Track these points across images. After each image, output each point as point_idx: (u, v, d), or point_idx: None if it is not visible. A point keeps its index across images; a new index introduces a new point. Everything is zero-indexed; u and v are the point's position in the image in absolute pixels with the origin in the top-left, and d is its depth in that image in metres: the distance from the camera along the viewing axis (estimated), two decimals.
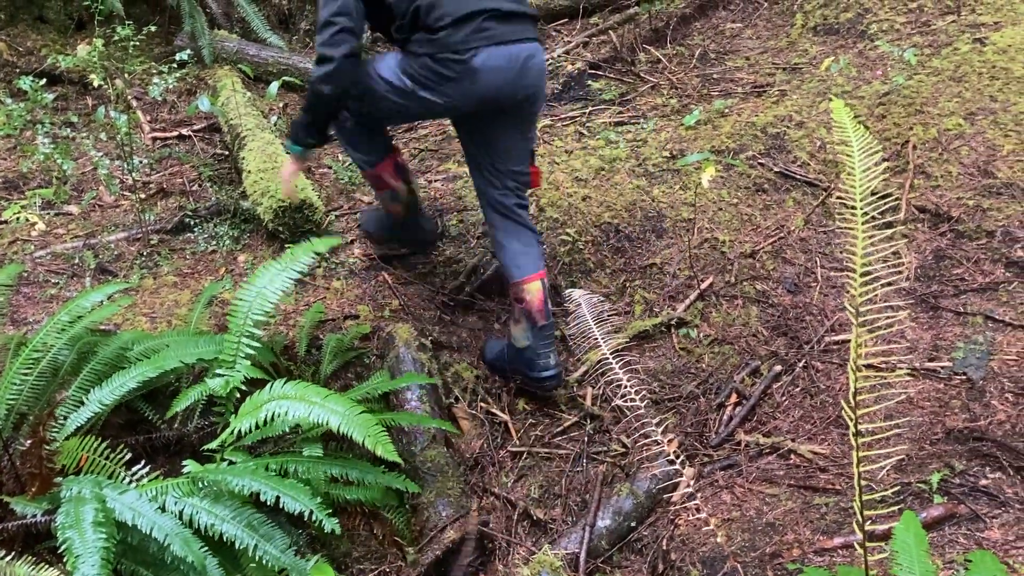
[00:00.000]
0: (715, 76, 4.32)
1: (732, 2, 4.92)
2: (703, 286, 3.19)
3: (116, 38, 3.22)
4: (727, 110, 3.92)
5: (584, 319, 2.03)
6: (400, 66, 2.68)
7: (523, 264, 2.87)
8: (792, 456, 2.59)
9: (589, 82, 4.46)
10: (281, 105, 4.26)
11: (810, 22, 4.48)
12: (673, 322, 3.10)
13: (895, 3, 4.26)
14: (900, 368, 2.66)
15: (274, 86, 3.38)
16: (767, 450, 2.63)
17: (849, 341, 2.93)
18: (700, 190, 3.41)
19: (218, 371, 2.37)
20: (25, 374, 2.31)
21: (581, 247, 3.34)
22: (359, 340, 2.94)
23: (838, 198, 3.38)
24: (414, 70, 2.64)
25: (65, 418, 2.29)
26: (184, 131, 3.99)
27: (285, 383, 2.16)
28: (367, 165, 3.02)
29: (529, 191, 3.01)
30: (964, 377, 2.61)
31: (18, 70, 4.02)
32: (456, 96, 2.65)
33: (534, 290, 2.86)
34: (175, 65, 3.23)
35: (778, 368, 2.87)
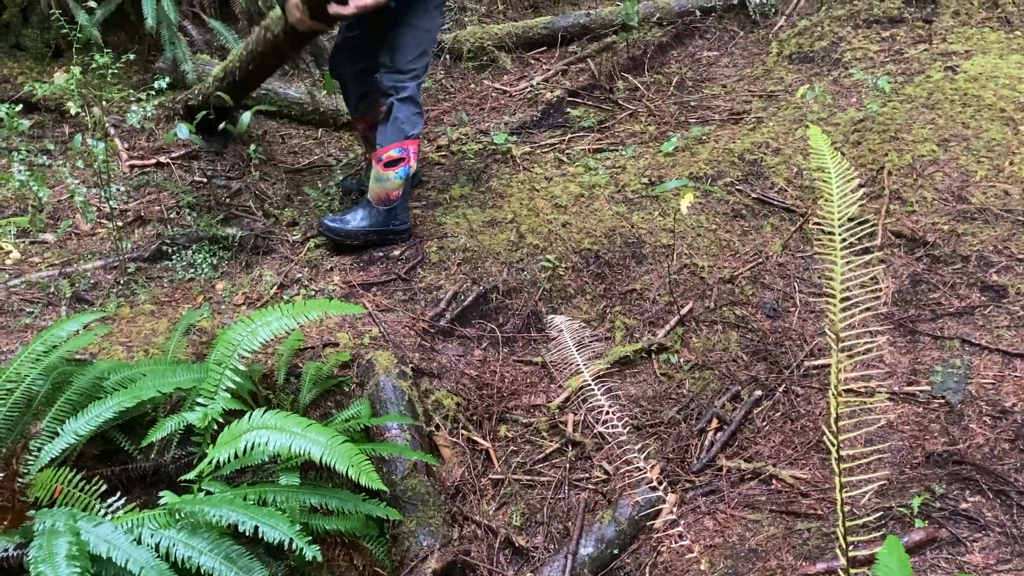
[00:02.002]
0: (692, 103, 4.36)
1: (708, 31, 4.98)
2: (683, 311, 3.20)
3: (94, 66, 3.21)
4: (704, 137, 3.95)
5: (566, 345, 2.04)
6: None
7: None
8: (774, 481, 2.59)
9: (568, 110, 4.48)
10: (260, 132, 4.25)
11: (785, 50, 4.54)
12: (654, 348, 3.11)
13: (869, 32, 4.34)
14: (879, 392, 2.68)
15: (247, 116, 3.38)
16: (749, 475, 2.63)
17: (828, 366, 2.94)
18: (679, 216, 3.43)
19: (197, 400, 2.34)
20: None
21: (561, 273, 3.34)
22: (339, 368, 2.92)
23: (815, 224, 3.41)
24: None
25: (39, 449, 2.25)
26: (162, 158, 3.96)
27: (264, 412, 2.14)
28: (408, 135, 3.38)
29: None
30: (942, 401, 2.63)
31: None
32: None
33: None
34: (153, 92, 3.22)
35: (758, 393, 2.88)
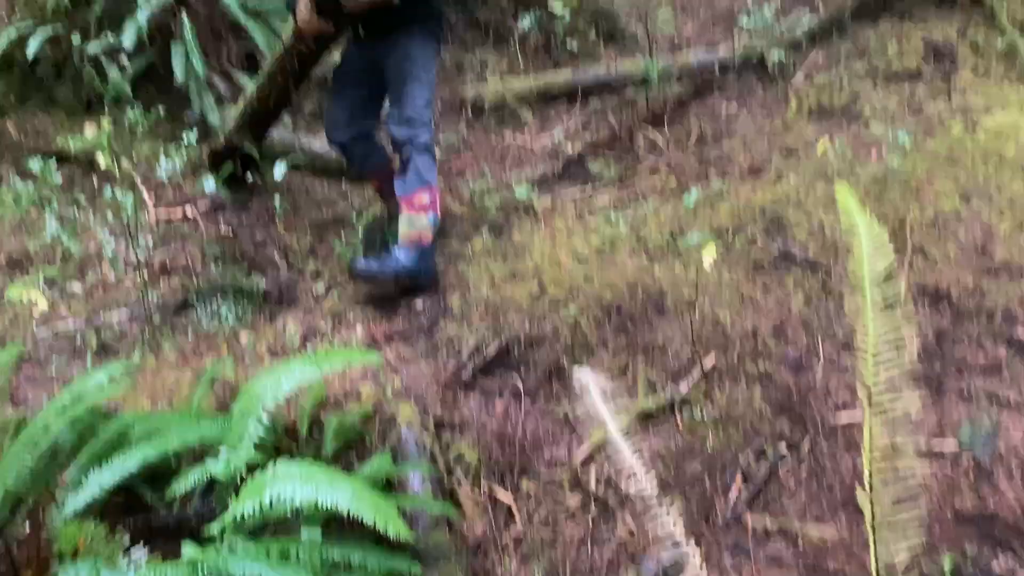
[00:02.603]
0: (712, 158, 4.40)
1: (727, 86, 5.03)
2: (706, 365, 3.18)
3: (125, 122, 3.29)
4: (725, 191, 3.97)
5: (589, 399, 2.03)
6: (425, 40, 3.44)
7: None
8: (801, 539, 2.55)
9: (589, 163, 4.53)
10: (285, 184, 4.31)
11: (804, 105, 4.58)
12: (677, 402, 3.09)
13: (888, 87, 4.38)
14: (910, 451, 2.64)
15: (280, 168, 3.44)
16: (775, 533, 2.59)
17: (854, 422, 2.92)
18: (701, 271, 3.44)
19: (221, 452, 2.34)
20: (24, 457, 2.28)
21: (584, 326, 3.34)
22: (361, 421, 2.92)
23: (839, 279, 3.41)
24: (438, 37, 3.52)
25: (64, 501, 2.25)
26: (189, 209, 4.03)
27: (289, 463, 2.14)
28: (432, 182, 3.45)
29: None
30: (971, 458, 2.59)
31: (26, 150, 4.08)
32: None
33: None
34: (183, 145, 3.29)
35: (784, 449, 2.85)
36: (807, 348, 3.22)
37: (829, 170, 3.89)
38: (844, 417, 2.93)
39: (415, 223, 3.43)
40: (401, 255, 3.45)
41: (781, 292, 3.44)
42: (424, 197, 3.41)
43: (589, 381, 1.84)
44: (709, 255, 3.03)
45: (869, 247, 1.37)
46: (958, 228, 3.40)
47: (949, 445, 2.67)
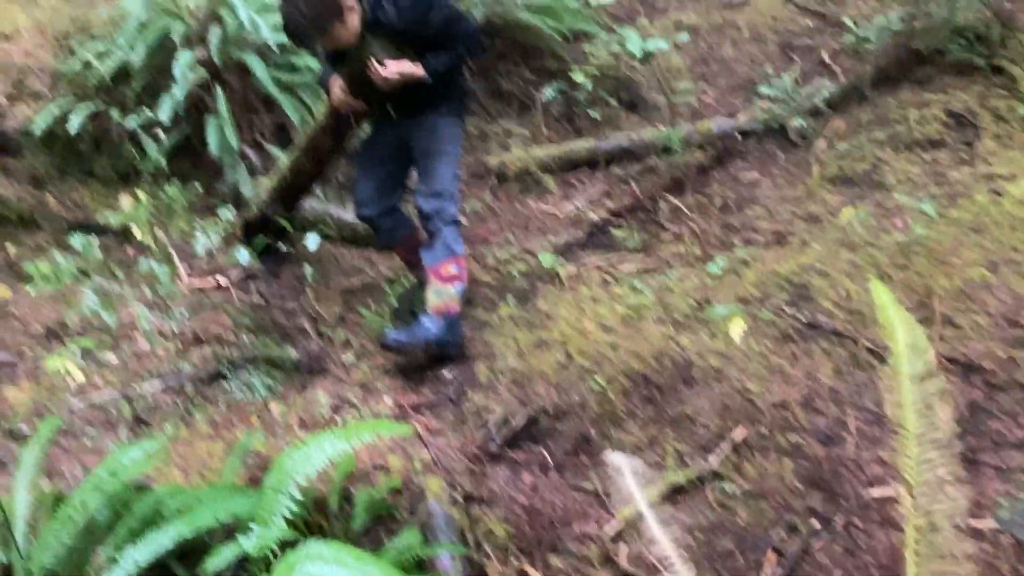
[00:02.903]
0: (736, 225, 4.43)
1: (749, 153, 5.09)
2: (736, 438, 3.17)
3: (161, 195, 3.38)
4: (750, 259, 4.00)
5: (624, 483, 2.04)
6: (448, 119, 3.58)
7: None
8: None
9: (612, 230, 4.58)
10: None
11: (827, 172, 4.62)
12: (707, 475, 3.07)
13: (910, 155, 4.41)
14: (947, 528, 2.61)
15: (313, 240, 3.51)
16: None
17: (888, 497, 2.89)
18: (728, 340, 3.45)
19: (252, 528, 2.35)
20: (62, 535, 2.30)
21: (611, 396, 3.35)
22: (390, 494, 2.92)
23: (867, 349, 3.41)
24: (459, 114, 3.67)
25: None
26: (221, 279, 4.10)
27: (319, 543, 2.15)
28: (458, 254, 3.53)
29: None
30: (1010, 537, 2.56)
31: (65, 222, 4.18)
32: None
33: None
34: (218, 221, 3.37)
35: (816, 525, 2.82)
36: (837, 420, 3.21)
37: (854, 238, 3.91)
38: (877, 492, 2.91)
39: (443, 294, 3.47)
40: (430, 325, 3.49)
41: (810, 362, 3.43)
42: (451, 268, 3.47)
43: (622, 465, 1.85)
44: (737, 327, 3.05)
45: (907, 347, 1.38)
46: (987, 298, 3.40)
47: (987, 523, 2.64)
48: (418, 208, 3.54)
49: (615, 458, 1.90)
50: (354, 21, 3.25)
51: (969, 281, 3.48)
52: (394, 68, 3.28)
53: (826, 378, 3.35)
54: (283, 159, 3.89)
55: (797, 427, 3.20)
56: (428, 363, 3.52)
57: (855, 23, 5.91)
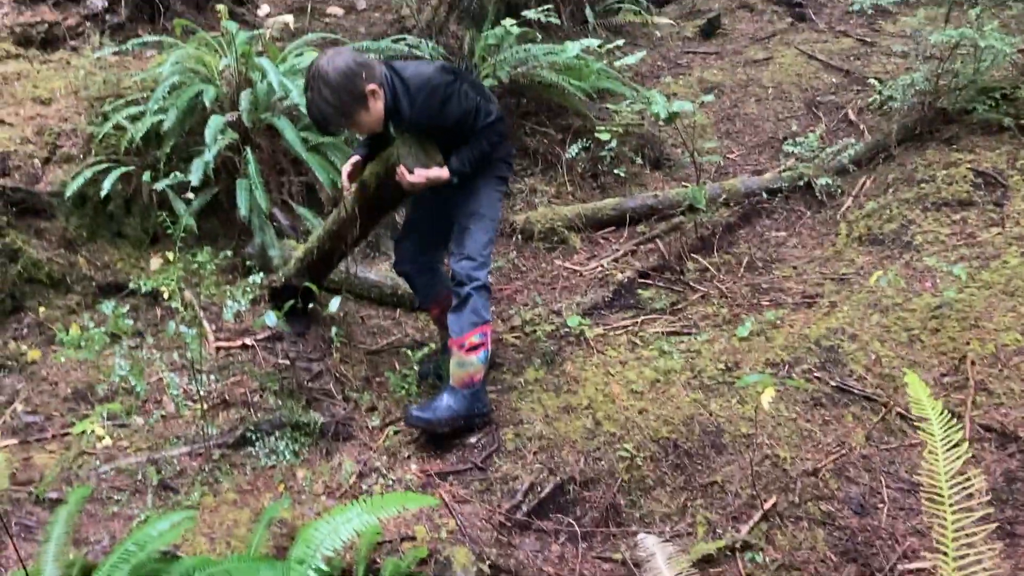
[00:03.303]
0: (764, 285, 4.41)
1: (776, 211, 5.09)
2: (766, 506, 3.12)
3: (190, 259, 3.40)
4: (778, 321, 3.96)
5: (655, 563, 2.00)
6: (488, 182, 3.57)
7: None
8: None
9: (639, 291, 4.56)
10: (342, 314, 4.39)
11: (855, 232, 4.60)
12: (738, 545, 3.02)
13: (938, 215, 4.38)
14: None
15: (335, 302, 3.51)
16: None
17: (924, 569, 2.82)
18: (759, 407, 3.40)
19: None
20: None
21: (640, 463, 3.31)
22: (416, 564, 2.89)
23: (898, 415, 3.35)
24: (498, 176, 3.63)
25: None
26: (248, 340, 4.11)
27: None
28: (485, 320, 3.50)
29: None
30: None
31: (95, 283, 4.22)
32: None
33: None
34: (248, 287, 3.38)
35: None
36: (870, 489, 3.16)
37: (884, 301, 3.88)
38: (913, 565, 2.84)
39: (467, 365, 3.46)
40: (453, 400, 3.47)
41: (841, 429, 3.38)
42: (476, 337, 3.45)
43: (655, 550, 1.82)
44: (767, 395, 3.01)
45: (941, 441, 1.35)
46: (1021, 364, 3.34)
47: None
48: (451, 269, 3.56)
49: (647, 541, 1.87)
50: (378, 108, 3.29)
51: (1003, 346, 3.42)
52: (420, 175, 3.34)
53: (858, 445, 3.30)
54: (314, 234, 3.91)
55: (829, 496, 3.15)
56: (454, 433, 3.50)
57: (880, 81, 5.93)
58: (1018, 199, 4.29)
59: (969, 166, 4.55)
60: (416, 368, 3.91)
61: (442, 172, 3.40)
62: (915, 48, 5.54)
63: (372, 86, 3.24)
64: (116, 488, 3.19)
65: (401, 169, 3.35)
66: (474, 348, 3.47)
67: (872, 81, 6.05)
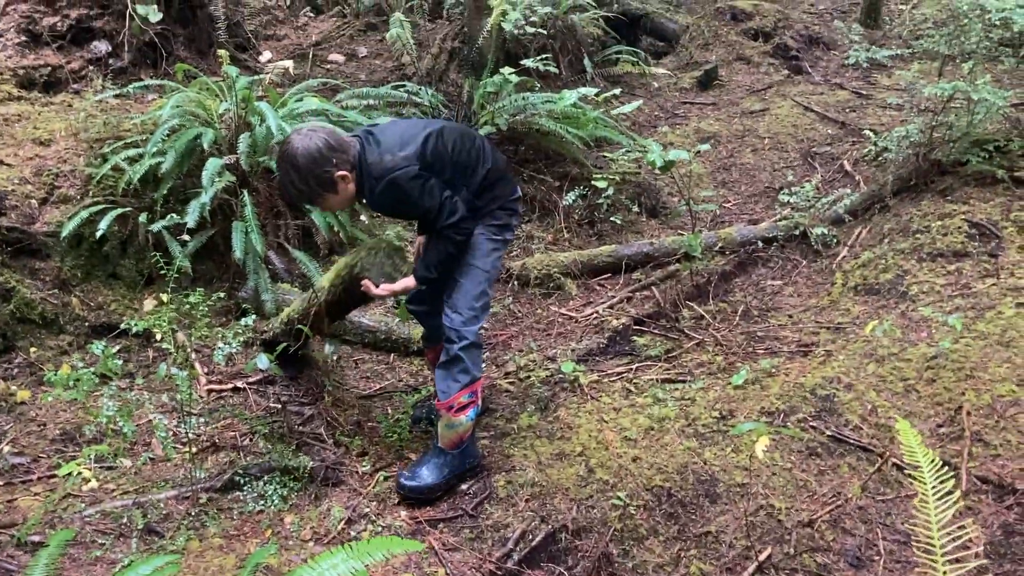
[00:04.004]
0: (759, 334, 4.39)
1: (771, 260, 5.09)
2: (761, 557, 3.07)
3: (183, 300, 3.39)
4: (774, 370, 3.94)
5: None
6: (484, 232, 3.42)
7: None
8: None
9: (634, 337, 4.54)
10: (335, 357, 4.37)
11: (850, 282, 4.60)
12: None
13: (933, 265, 4.38)
14: None
15: (330, 348, 3.49)
16: None
17: None
18: (754, 456, 3.37)
19: None
20: None
21: (633, 512, 3.26)
22: None
23: (894, 465, 3.32)
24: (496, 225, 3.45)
25: None
26: (240, 383, 4.08)
27: None
28: (475, 378, 3.40)
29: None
30: None
31: (87, 324, 4.21)
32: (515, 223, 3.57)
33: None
34: (239, 329, 3.37)
35: None
36: (866, 540, 3.11)
37: (879, 350, 3.86)
38: None
39: (455, 426, 3.39)
40: (443, 461, 3.42)
41: (837, 479, 3.34)
42: (464, 397, 3.37)
43: None
44: (762, 443, 2.98)
45: (933, 490, 1.33)
46: (1018, 415, 3.32)
47: None
48: (444, 325, 3.48)
49: None
50: (348, 191, 3.24)
51: (999, 397, 3.40)
52: (386, 289, 3.38)
53: (854, 496, 3.25)
54: (294, 305, 3.85)
55: (824, 547, 3.10)
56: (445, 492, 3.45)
57: (875, 132, 5.99)
58: (1012, 250, 4.29)
59: (964, 217, 4.56)
60: (409, 413, 3.88)
61: (408, 283, 3.39)
62: (910, 101, 5.60)
63: (341, 172, 3.18)
64: (100, 532, 3.14)
65: (366, 283, 3.36)
66: (463, 408, 3.39)
67: (867, 133, 6.10)
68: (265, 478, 3.42)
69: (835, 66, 7.83)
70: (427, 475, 3.39)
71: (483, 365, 3.58)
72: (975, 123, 4.82)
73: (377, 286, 3.37)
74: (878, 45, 7.77)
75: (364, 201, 3.34)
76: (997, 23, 4.64)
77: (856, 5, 8.74)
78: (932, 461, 1.36)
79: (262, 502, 3.33)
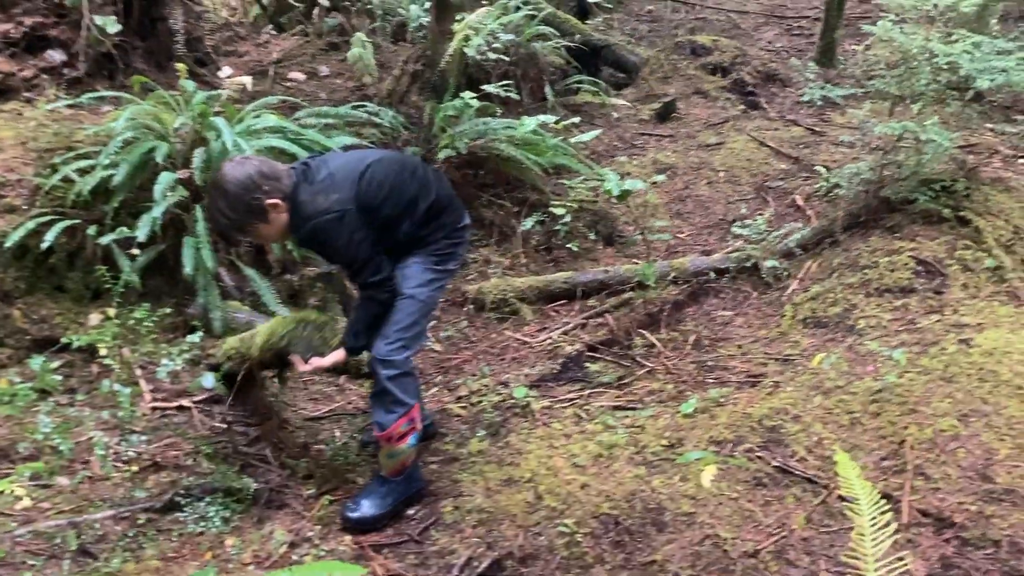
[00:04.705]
0: (709, 363, 4.43)
1: (723, 291, 5.15)
2: None
3: (129, 316, 3.33)
4: (723, 399, 3.97)
5: None
6: (424, 262, 3.34)
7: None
8: None
9: (587, 364, 4.56)
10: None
11: (799, 314, 4.66)
12: None
13: (881, 300, 4.47)
14: None
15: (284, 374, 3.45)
16: None
17: None
18: (701, 485, 3.38)
19: None
20: None
21: (579, 540, 3.25)
22: None
23: (838, 497, 3.35)
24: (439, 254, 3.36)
25: None
26: (185, 402, 4.01)
27: None
28: (409, 407, 3.30)
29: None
30: None
31: (29, 337, 4.10)
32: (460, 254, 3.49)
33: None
34: (185, 346, 3.31)
35: None
36: (810, 572, 3.12)
37: (826, 383, 3.91)
38: None
39: (396, 455, 3.35)
40: (386, 490, 3.39)
41: (782, 510, 3.36)
42: (403, 426, 3.30)
43: None
44: (709, 472, 3.00)
45: (870, 522, 1.35)
46: (957, 450, 3.37)
47: None
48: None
49: None
50: (281, 219, 3.16)
51: (940, 432, 3.46)
52: (315, 365, 3.37)
53: (799, 527, 3.27)
54: (231, 342, 3.83)
55: None
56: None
57: (827, 169, 6.11)
58: (956, 288, 4.39)
59: (911, 254, 4.66)
60: (357, 437, 3.83)
61: (337, 357, 3.35)
62: (861, 139, 5.73)
63: (273, 200, 3.09)
64: (31, 552, 3.04)
65: (295, 359, 3.37)
66: (402, 436, 3.33)
67: (819, 169, 6.22)
68: (207, 499, 3.35)
69: (790, 103, 7.99)
70: (369, 507, 3.34)
71: (419, 390, 3.52)
72: (923, 163, 4.94)
73: (306, 361, 3.32)
74: (832, 84, 7.94)
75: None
76: (945, 67, 4.77)
77: (812, 44, 8.94)
78: (870, 494, 1.38)
79: (203, 524, 3.26)
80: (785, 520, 3.32)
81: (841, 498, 3.36)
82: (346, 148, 4.70)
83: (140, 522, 3.23)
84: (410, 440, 3.35)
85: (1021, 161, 5.88)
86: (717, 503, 3.38)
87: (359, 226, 3.15)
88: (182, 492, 3.35)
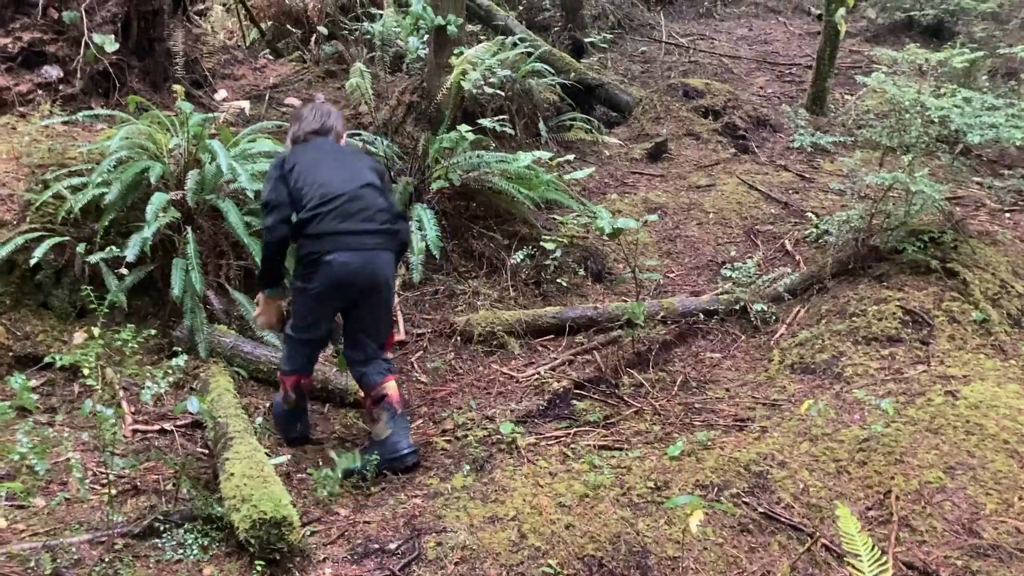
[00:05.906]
0: (696, 405, 4.42)
1: (711, 332, 5.16)
2: None
3: (114, 336, 3.29)
4: (710, 443, 3.96)
5: None
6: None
7: (379, 373, 3.90)
8: None
9: (574, 401, 4.54)
10: (267, 405, 4.27)
11: (787, 359, 4.67)
12: None
13: (868, 349, 4.48)
14: None
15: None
16: None
17: None
18: (687, 530, 3.35)
19: None
20: None
21: None
22: None
23: (824, 546, 3.33)
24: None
25: None
26: (167, 425, 3.95)
27: None
28: (282, 370, 3.98)
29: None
30: None
31: (12, 353, 4.05)
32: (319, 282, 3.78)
33: (391, 387, 3.91)
34: (169, 369, 3.27)
35: None
36: None
37: (813, 430, 3.91)
38: None
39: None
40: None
41: (767, 557, 3.34)
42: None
43: None
44: (696, 517, 2.98)
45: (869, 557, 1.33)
46: (943, 502, 3.37)
47: None
48: None
49: None
50: None
51: (926, 483, 3.46)
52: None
53: (783, 575, 3.25)
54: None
55: None
56: (377, 538, 3.37)
57: (816, 215, 6.16)
58: (943, 339, 4.42)
59: (898, 304, 4.69)
60: (339, 464, 3.78)
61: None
62: (851, 187, 5.79)
63: None
64: (4, 575, 2.97)
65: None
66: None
67: (809, 215, 6.28)
68: (186, 526, 3.29)
69: (780, 148, 8.07)
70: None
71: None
72: (912, 213, 4.99)
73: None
74: (822, 131, 8.04)
75: None
76: (935, 120, 4.84)
77: (803, 91, 9.06)
78: (871, 549, 1.37)
79: (181, 551, 3.20)
80: (770, 568, 3.29)
81: (826, 547, 3.35)
82: None
83: (117, 547, 3.16)
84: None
85: (1008, 215, 5.96)
86: (702, 548, 3.35)
87: (282, 172, 3.82)
88: (161, 518, 3.28)
